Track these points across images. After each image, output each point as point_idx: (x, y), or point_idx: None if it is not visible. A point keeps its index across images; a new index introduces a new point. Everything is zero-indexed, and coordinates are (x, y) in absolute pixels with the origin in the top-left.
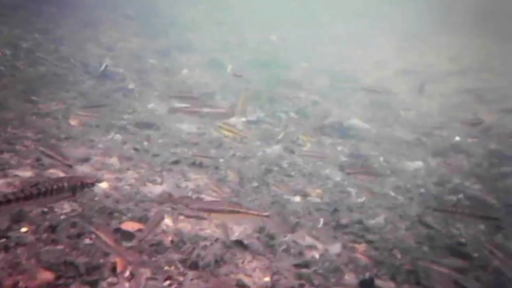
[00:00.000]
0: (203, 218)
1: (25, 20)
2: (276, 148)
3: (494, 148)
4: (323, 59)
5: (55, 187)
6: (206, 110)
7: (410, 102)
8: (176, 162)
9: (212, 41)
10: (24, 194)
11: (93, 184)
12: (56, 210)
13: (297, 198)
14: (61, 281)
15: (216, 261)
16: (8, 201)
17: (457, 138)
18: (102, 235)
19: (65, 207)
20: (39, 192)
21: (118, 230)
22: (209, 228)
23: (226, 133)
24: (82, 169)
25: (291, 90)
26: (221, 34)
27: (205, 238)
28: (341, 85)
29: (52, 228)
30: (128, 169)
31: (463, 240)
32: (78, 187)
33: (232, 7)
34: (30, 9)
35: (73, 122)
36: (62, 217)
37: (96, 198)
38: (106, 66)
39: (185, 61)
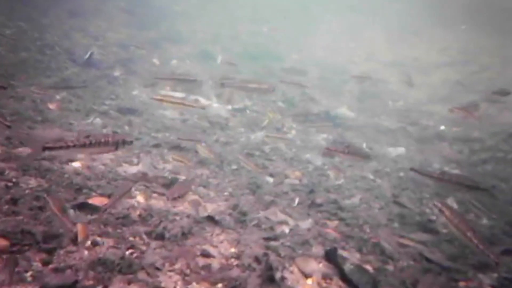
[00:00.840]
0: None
1: (11, 8)
2: (260, 135)
3: (476, 137)
4: (315, 51)
5: (102, 140)
6: (252, 85)
7: (399, 93)
8: (156, 146)
9: (203, 33)
10: (79, 142)
11: (131, 142)
12: (21, 184)
13: (275, 180)
14: (15, 248)
15: (183, 234)
16: (68, 147)
17: (442, 127)
18: (50, 202)
19: (31, 182)
20: (90, 142)
21: (84, 204)
22: (182, 206)
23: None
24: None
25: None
26: (213, 26)
27: (175, 214)
28: (331, 76)
29: (14, 201)
30: None
31: (433, 217)
32: (120, 143)
33: (225, 0)
34: None
35: (51, 106)
36: (26, 191)
37: (66, 175)
38: (92, 53)
39: (175, 52)
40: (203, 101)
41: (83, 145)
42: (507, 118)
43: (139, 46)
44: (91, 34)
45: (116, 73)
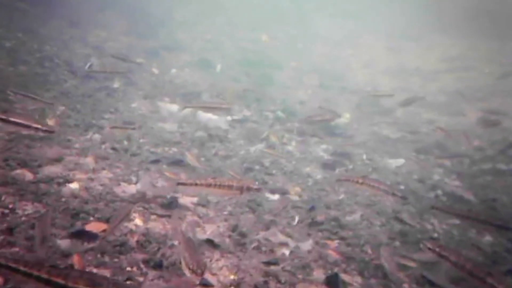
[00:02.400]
0: (175, 218)
1: (9, 19)
2: (260, 147)
3: (476, 145)
4: (313, 58)
5: (227, 184)
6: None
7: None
8: (155, 162)
9: (202, 41)
10: (206, 182)
11: (258, 189)
12: (18, 211)
13: (276, 196)
14: (9, 285)
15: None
16: (196, 185)
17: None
18: (36, 227)
19: (28, 208)
20: (216, 184)
21: (81, 232)
22: (180, 228)
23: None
24: (53, 170)
25: (281, 89)
26: (212, 34)
27: (175, 240)
28: (330, 84)
29: (10, 230)
30: (103, 168)
31: (435, 235)
32: (244, 188)
33: (222, 7)
34: (14, 8)
35: (50, 121)
36: (22, 218)
37: (63, 199)
38: (91, 65)
39: (174, 60)
40: (201, 112)
41: (209, 185)
42: (506, 124)
43: (133, 60)
44: (91, 44)
45: (116, 84)
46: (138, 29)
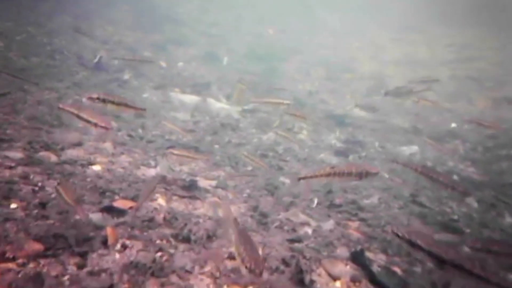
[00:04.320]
0: (196, 198)
1: (18, 14)
2: (272, 135)
3: (489, 134)
4: (320, 51)
5: (346, 171)
6: None
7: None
8: (171, 148)
9: (208, 36)
10: (325, 172)
11: (376, 173)
12: (47, 188)
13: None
14: (50, 252)
15: (208, 236)
16: (316, 176)
17: (453, 125)
18: (62, 191)
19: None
20: (335, 172)
21: (110, 208)
22: (203, 208)
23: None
24: (75, 153)
25: (288, 81)
26: (218, 28)
27: (198, 216)
28: (337, 76)
29: (42, 205)
30: (121, 153)
31: (455, 217)
32: (363, 174)
33: (228, 2)
34: (23, 3)
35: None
36: (53, 195)
37: (89, 179)
38: (101, 57)
39: (181, 54)
40: (213, 102)
41: (329, 174)
42: None
43: (146, 49)
44: (98, 39)
45: (126, 76)
46: (143, 24)
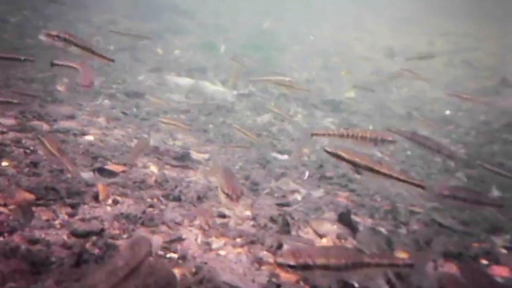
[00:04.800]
0: (189, 168)
1: None
2: (266, 117)
3: (482, 120)
4: (317, 42)
5: (360, 134)
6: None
7: (403, 80)
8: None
9: (205, 25)
10: (339, 133)
11: (392, 141)
12: (39, 152)
13: (284, 156)
14: (41, 201)
15: (199, 197)
16: (330, 135)
17: (447, 112)
18: (46, 143)
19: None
20: (348, 134)
21: (102, 169)
22: (194, 176)
23: None
24: (67, 124)
25: (285, 70)
26: (215, 18)
27: (189, 181)
28: (334, 66)
29: (34, 164)
30: (115, 127)
31: None
32: (378, 140)
33: None
34: None
35: (60, 87)
36: (44, 157)
37: (81, 146)
38: (97, 41)
39: (178, 43)
40: (208, 85)
41: (342, 135)
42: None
43: (144, 36)
44: (95, 25)
45: (122, 60)
46: (141, 12)
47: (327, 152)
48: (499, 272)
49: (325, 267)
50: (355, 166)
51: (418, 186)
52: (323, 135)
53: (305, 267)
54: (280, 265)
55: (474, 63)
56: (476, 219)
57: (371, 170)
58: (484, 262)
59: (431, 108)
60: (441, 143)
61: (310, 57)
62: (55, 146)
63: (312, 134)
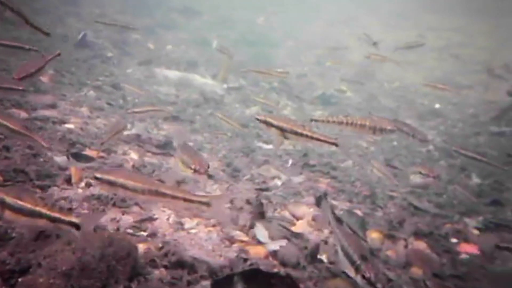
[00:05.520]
0: (170, 156)
1: None
2: (254, 109)
3: (470, 113)
4: (310, 38)
5: (359, 123)
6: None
7: (394, 75)
8: (151, 117)
9: (198, 21)
10: (338, 120)
11: (392, 130)
12: (14, 138)
13: (269, 146)
14: (9, 183)
15: (177, 182)
16: (328, 122)
17: (437, 105)
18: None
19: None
20: (347, 122)
21: (78, 154)
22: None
23: None
24: (48, 113)
25: (279, 66)
26: (208, 14)
27: (169, 167)
28: (327, 61)
29: (6, 148)
30: (98, 117)
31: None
32: (377, 129)
33: None
34: None
35: (43, 78)
36: (18, 142)
37: (59, 133)
38: (85, 35)
39: (170, 38)
40: (198, 77)
41: (341, 123)
42: (501, 96)
43: (131, 27)
44: (85, 20)
45: (110, 54)
46: (133, 8)
47: (258, 119)
48: (468, 249)
49: (123, 187)
50: (282, 131)
51: (332, 143)
52: (322, 121)
53: (110, 182)
54: (96, 179)
55: (466, 58)
56: (452, 203)
57: (295, 133)
58: (454, 240)
59: (421, 101)
60: (417, 129)
61: (304, 52)
62: (19, 124)
63: (311, 120)
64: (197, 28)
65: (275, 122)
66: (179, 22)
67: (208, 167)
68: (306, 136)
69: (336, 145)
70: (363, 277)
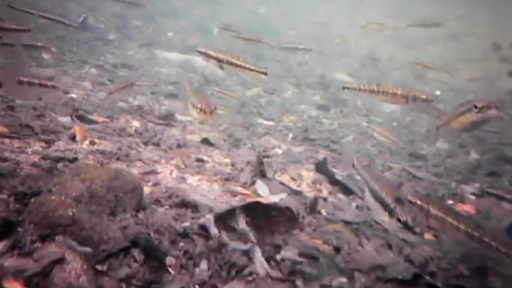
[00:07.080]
0: (172, 126)
1: None
2: (255, 90)
3: (472, 99)
4: (312, 27)
5: (390, 91)
6: None
7: (396, 64)
8: (152, 93)
9: (199, 10)
10: (370, 88)
11: (428, 100)
12: (17, 101)
13: (270, 122)
14: (14, 135)
15: (178, 145)
16: (360, 90)
17: (438, 92)
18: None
19: (27, 102)
20: (379, 90)
21: (82, 116)
22: (177, 132)
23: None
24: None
25: (278, 53)
26: (210, 3)
27: (171, 134)
28: (328, 50)
29: (11, 108)
30: (100, 91)
31: (423, 151)
32: (410, 98)
33: None
34: None
35: (46, 55)
36: (23, 104)
37: (62, 100)
38: (86, 17)
39: (171, 26)
40: (199, 60)
41: (373, 91)
42: (502, 83)
43: (135, 18)
44: (85, 5)
45: (111, 36)
46: None
47: (198, 51)
48: (465, 208)
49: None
50: (219, 61)
51: (261, 72)
52: (354, 89)
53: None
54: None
55: (468, 46)
56: (451, 174)
57: (231, 63)
58: (450, 202)
59: (422, 88)
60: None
61: (305, 41)
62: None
63: (344, 88)
64: (198, 16)
65: (213, 54)
66: (180, 10)
67: (215, 108)
68: (239, 66)
69: (265, 74)
70: (399, 220)
